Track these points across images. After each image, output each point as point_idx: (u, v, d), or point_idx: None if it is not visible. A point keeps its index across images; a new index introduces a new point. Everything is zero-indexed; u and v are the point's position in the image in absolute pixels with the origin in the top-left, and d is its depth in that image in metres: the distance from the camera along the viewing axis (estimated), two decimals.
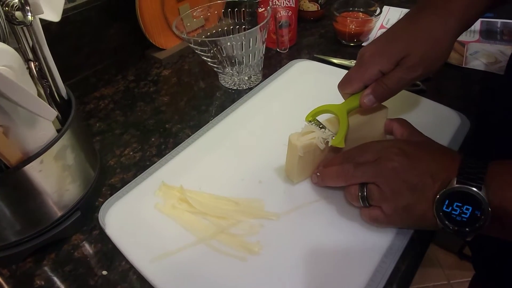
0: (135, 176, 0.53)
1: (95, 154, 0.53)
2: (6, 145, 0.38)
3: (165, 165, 0.54)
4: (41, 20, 0.43)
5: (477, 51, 0.72)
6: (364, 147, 0.45)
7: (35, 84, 0.43)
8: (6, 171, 0.39)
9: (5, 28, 0.38)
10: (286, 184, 0.50)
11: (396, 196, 0.40)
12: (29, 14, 0.39)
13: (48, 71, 0.45)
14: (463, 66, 0.69)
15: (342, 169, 0.44)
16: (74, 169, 0.46)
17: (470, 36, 0.77)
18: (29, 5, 0.39)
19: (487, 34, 0.77)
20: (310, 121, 0.48)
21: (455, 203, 0.37)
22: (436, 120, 0.56)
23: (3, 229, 0.42)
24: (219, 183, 0.51)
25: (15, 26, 0.40)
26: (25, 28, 0.41)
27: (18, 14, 0.40)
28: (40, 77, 0.43)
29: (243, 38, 0.60)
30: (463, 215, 0.36)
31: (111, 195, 0.51)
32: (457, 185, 0.37)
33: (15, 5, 0.39)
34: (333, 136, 0.46)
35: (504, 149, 0.52)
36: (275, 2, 0.73)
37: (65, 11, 0.72)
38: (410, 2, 0.92)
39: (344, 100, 0.49)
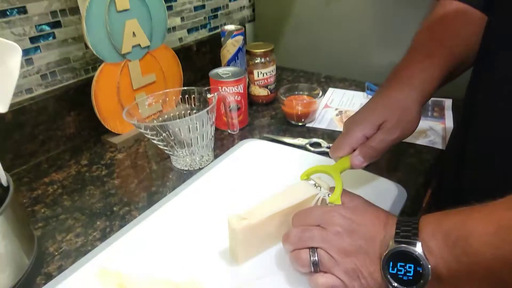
0: (74, 263, 0.51)
1: (31, 242, 0.52)
2: None
3: (104, 250, 0.52)
4: None
5: None
6: (305, 214, 0.47)
7: None
8: None
9: None
10: (231, 266, 0.49)
11: (344, 259, 0.41)
12: None
13: None
14: None
15: (288, 234, 0.45)
16: (4, 258, 0.44)
17: None
18: None
19: None
20: (305, 180, 0.52)
21: (398, 263, 0.38)
22: (375, 191, 0.59)
23: None
24: (160, 265, 0.49)
25: None
26: None
27: None
28: None
29: (189, 121, 0.64)
30: (408, 274, 0.38)
31: (45, 284, 0.48)
32: (396, 245, 0.38)
33: None
34: (329, 194, 0.49)
35: None
36: (224, 88, 0.79)
37: (21, 101, 0.75)
38: (352, 86, 1.02)
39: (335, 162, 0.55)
